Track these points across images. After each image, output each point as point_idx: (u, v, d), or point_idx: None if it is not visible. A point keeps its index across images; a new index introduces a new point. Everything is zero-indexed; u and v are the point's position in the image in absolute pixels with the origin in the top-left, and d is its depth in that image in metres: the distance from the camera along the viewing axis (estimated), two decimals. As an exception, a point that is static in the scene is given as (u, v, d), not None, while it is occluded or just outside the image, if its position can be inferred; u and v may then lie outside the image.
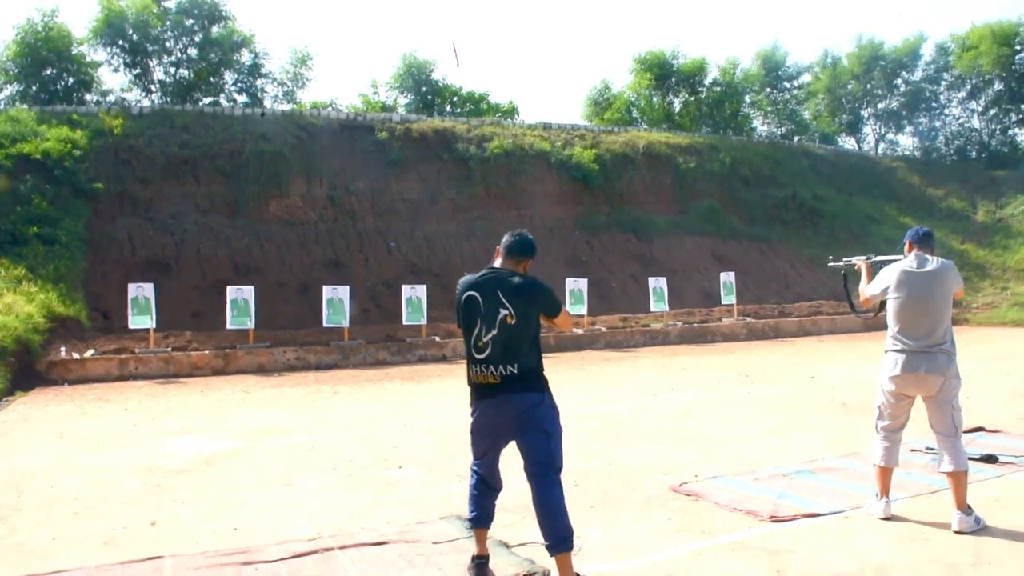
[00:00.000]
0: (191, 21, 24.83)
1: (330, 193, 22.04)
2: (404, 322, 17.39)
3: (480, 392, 4.24)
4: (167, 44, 24.85)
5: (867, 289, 5.50)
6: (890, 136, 36.55)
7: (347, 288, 17.09)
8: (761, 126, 35.46)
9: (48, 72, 24.03)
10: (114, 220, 19.46)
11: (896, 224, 28.12)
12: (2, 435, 9.28)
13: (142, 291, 15.59)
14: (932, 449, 6.53)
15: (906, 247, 5.32)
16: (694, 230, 25.33)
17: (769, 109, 35.08)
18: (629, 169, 25.82)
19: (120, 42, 24.27)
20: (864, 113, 35.96)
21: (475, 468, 4.44)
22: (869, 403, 9.26)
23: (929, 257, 5.14)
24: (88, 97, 24.67)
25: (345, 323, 16.72)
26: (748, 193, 27.12)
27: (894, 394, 5.18)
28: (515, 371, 4.08)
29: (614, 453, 7.04)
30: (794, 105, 35.33)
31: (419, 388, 12.20)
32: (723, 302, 21.12)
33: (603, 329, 19.25)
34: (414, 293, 17.47)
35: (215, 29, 25.18)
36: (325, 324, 16.75)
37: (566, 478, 5.95)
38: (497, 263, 4.35)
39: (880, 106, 35.26)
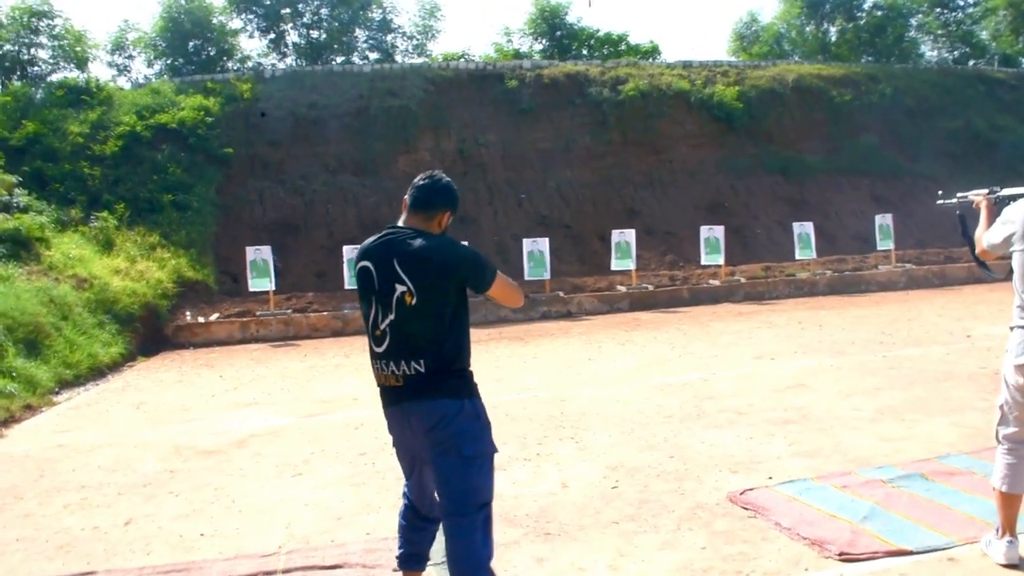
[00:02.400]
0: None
1: (459, 146, 21.54)
2: (526, 277, 16.70)
3: (384, 398, 3.25)
4: (299, 7, 24.91)
5: (986, 237, 3.95)
6: (1089, 52, 32.20)
7: (465, 243, 16.52)
8: (930, 52, 32.10)
9: (192, 44, 24.62)
10: (245, 184, 19.72)
11: (1091, 153, 24.92)
12: (90, 404, 9.34)
13: (260, 254, 15.61)
14: None
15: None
16: (850, 170, 23.23)
17: (939, 32, 31.61)
18: (777, 106, 23.91)
19: (254, 8, 24.52)
20: (1056, 28, 31.86)
21: (405, 491, 3.45)
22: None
23: None
24: (229, 65, 25.15)
25: (467, 280, 16.18)
26: (912, 127, 24.58)
27: (1023, 390, 3.68)
28: (420, 370, 3.05)
29: (683, 440, 6.04)
30: (969, 25, 31.64)
31: (521, 351, 11.50)
32: (879, 247, 19.23)
33: (742, 280, 17.89)
34: (536, 247, 16.73)
35: (345, -13, 25.06)
36: (444, 282, 16.27)
37: (613, 473, 5.23)
38: (401, 220, 3.31)
39: (1076, 17, 31.11)
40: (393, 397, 3.18)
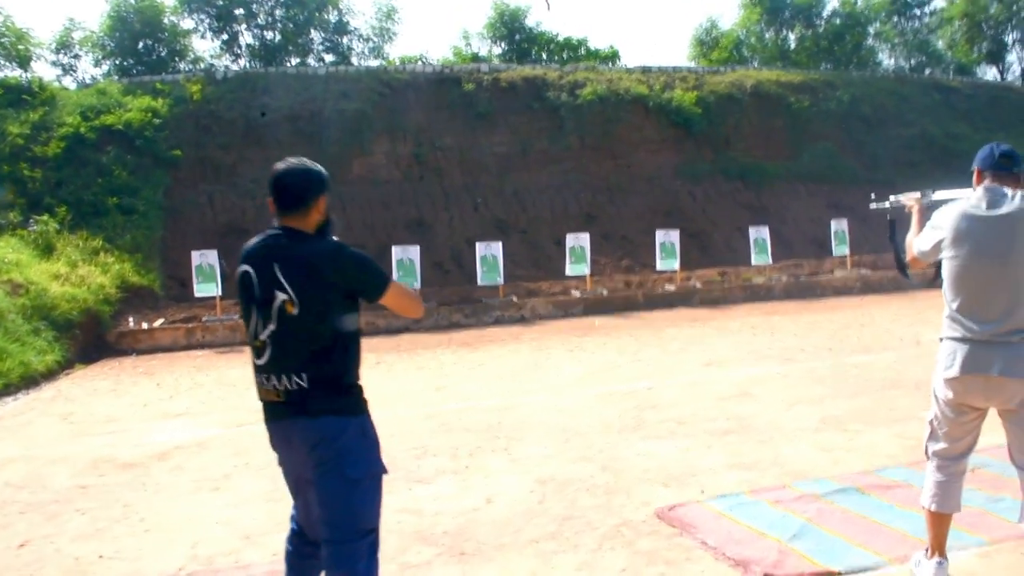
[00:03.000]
0: (276, -20, 24.38)
1: (415, 150, 21.24)
2: (479, 282, 16.47)
3: (266, 413, 2.95)
4: (252, 8, 24.49)
5: (916, 243, 3.73)
6: (1040, 63, 32.68)
7: (417, 248, 16.28)
8: (888, 60, 32.34)
9: (142, 44, 24.08)
10: (195, 187, 19.29)
11: (1044, 160, 25.19)
12: (14, 416, 8.94)
13: (206, 258, 15.24)
14: None
15: (974, 177, 3.56)
16: (808, 176, 23.28)
17: (897, 40, 31.87)
18: (735, 112, 23.87)
19: (206, 8, 24.06)
20: (1008, 39, 32.16)
21: (292, 514, 3.14)
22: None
23: (1008, 192, 3.34)
24: (182, 67, 24.64)
25: (416, 285, 15.93)
26: (869, 134, 24.68)
27: (953, 405, 3.45)
28: (303, 384, 2.78)
29: (619, 451, 5.80)
30: (925, 34, 31.94)
31: (468, 358, 11.24)
32: (835, 253, 19.25)
33: (698, 285, 17.80)
34: (489, 251, 16.51)
35: (300, -13, 24.67)
36: (395, 288, 15.98)
37: (541, 487, 4.94)
38: (275, 221, 3.01)
39: (1026, 30, 31.56)
40: (274, 413, 2.91)
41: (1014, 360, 3.25)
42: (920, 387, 7.61)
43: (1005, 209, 3.31)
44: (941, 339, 3.49)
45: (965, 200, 3.47)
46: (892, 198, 4.43)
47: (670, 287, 17.53)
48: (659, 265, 17.67)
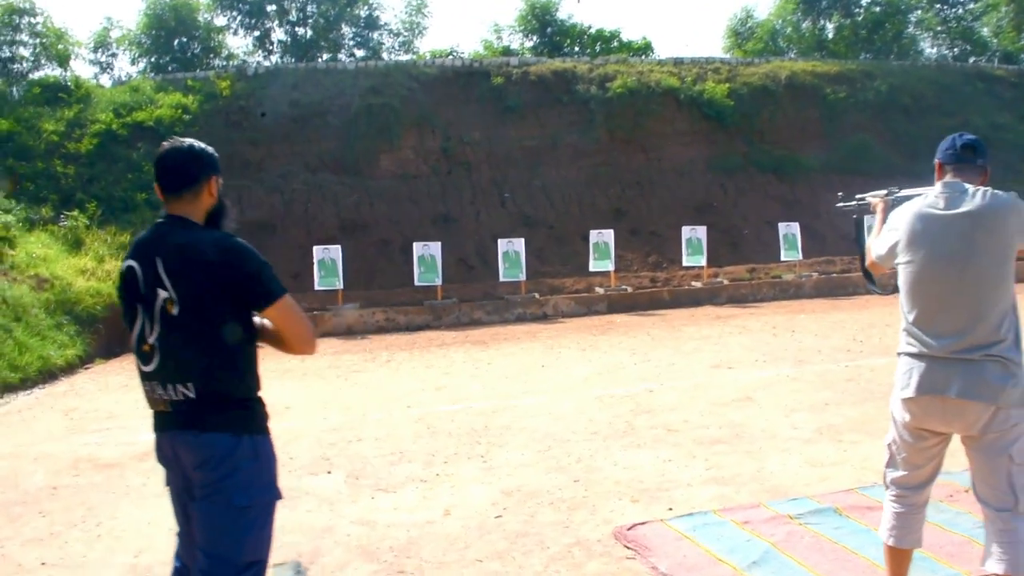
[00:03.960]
0: (308, -24, 24.44)
1: (443, 144, 21.16)
2: (501, 278, 16.35)
3: (154, 424, 2.73)
4: (284, 4, 24.59)
5: (873, 246, 3.41)
6: (1091, 50, 31.50)
7: (439, 245, 16.19)
8: (930, 48, 31.48)
9: (177, 42, 24.31)
10: (224, 183, 19.34)
11: (1093, 152, 24.36)
12: (20, 411, 9.03)
13: (231, 255, 15.26)
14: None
15: (935, 171, 3.20)
16: (844, 169, 22.67)
17: (939, 28, 30.99)
18: (769, 103, 23.40)
19: (239, 5, 24.21)
20: (1059, 24, 31.18)
21: (176, 551, 2.85)
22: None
23: (968, 188, 2.99)
24: (217, 63, 24.85)
25: (438, 281, 15.87)
26: (908, 124, 24.04)
27: (911, 429, 3.11)
28: (190, 395, 2.54)
29: (598, 461, 5.63)
30: (969, 22, 31.00)
31: (477, 356, 11.12)
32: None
33: (725, 282, 17.48)
34: (511, 247, 16.37)
35: (331, -18, 24.72)
36: (416, 283, 15.96)
37: (506, 499, 4.78)
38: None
39: (1079, 15, 30.42)
40: (160, 424, 2.69)
41: (975, 380, 2.91)
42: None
43: (965, 207, 2.97)
44: (899, 354, 3.18)
45: (923, 198, 3.14)
46: (859, 196, 4.10)
47: (696, 284, 17.24)
48: (685, 261, 17.41)
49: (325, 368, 10.91)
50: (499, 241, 16.59)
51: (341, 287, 15.63)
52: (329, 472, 5.75)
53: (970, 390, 2.91)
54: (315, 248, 15.85)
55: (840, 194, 4.57)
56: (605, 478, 5.23)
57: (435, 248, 16.02)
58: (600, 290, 16.64)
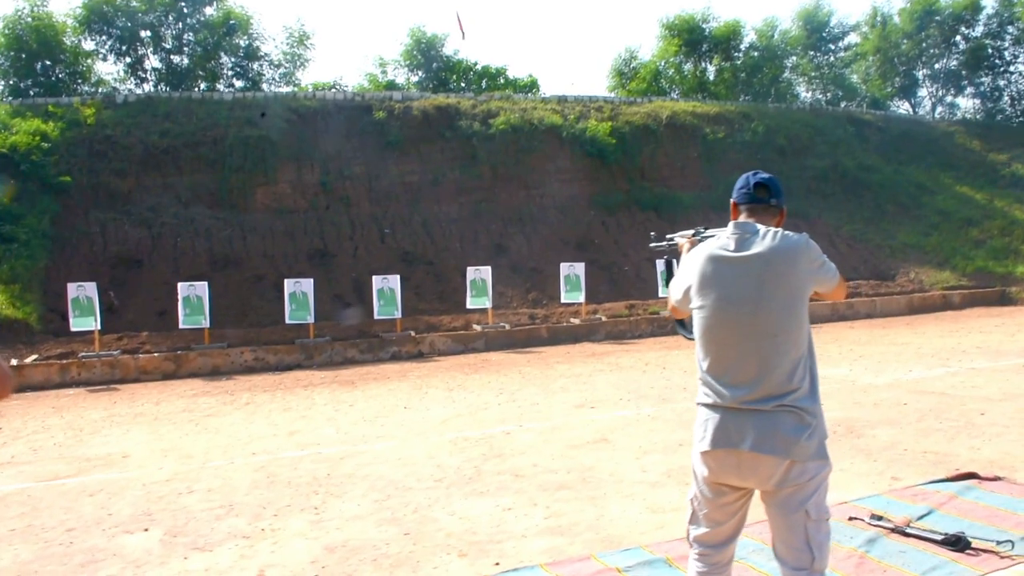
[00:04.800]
0: (183, 4, 23.64)
1: (322, 179, 20.70)
2: (376, 316, 15.93)
3: None
4: (160, 31, 23.76)
5: (671, 290, 3.20)
6: (949, 99, 33.30)
7: (311, 281, 15.69)
8: (805, 93, 32.77)
9: (40, 65, 23.15)
10: (86, 215, 18.45)
11: (952, 194, 25.60)
12: None
13: (83, 290, 14.42)
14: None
15: (731, 212, 3.08)
16: (722, 206, 22.95)
17: (813, 74, 32.30)
18: (651, 142, 23.82)
19: (109, 30, 23.26)
20: (919, 74, 32.81)
21: None
22: (852, 424, 7.47)
23: (760, 228, 2.85)
24: (86, 90, 23.78)
25: (310, 319, 15.34)
26: (783, 164, 24.76)
27: (710, 484, 2.89)
28: None
29: (435, 511, 5.29)
30: (840, 69, 32.42)
31: (341, 398, 10.68)
32: (744, 285, 19.07)
33: (603, 318, 17.46)
34: (386, 284, 15.97)
35: (209, 11, 24.00)
36: (288, 321, 15.40)
37: (326, 557, 4.45)
38: None
39: (937, 66, 32.05)
40: None
41: (768, 433, 2.70)
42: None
43: (755, 249, 2.79)
44: (697, 404, 2.94)
45: (715, 239, 2.96)
46: (668, 236, 3.88)
47: (575, 320, 17.18)
48: (563, 298, 17.34)
49: (179, 412, 10.30)
50: (374, 278, 16.17)
51: (207, 325, 14.94)
52: (146, 529, 5.26)
53: (763, 443, 2.71)
54: (180, 285, 15.14)
55: (652, 234, 4.35)
56: (438, 530, 4.91)
57: (307, 285, 15.51)
58: (478, 327, 16.39)
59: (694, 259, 2.96)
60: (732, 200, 3.06)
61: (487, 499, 5.52)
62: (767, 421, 2.71)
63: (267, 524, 5.22)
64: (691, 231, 3.57)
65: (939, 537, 4.29)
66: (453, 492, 5.74)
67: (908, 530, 4.46)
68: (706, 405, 2.88)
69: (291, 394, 11.35)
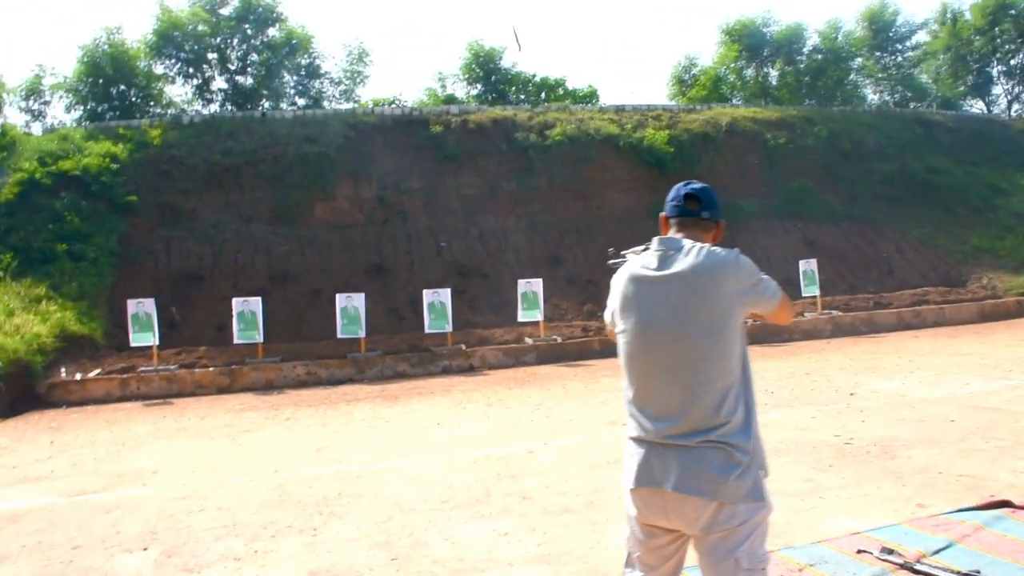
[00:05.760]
0: (248, 26, 24.28)
1: (379, 193, 20.95)
2: (426, 330, 16.01)
3: None
4: (225, 52, 24.43)
5: (605, 313, 2.94)
6: (1025, 95, 32.11)
7: (362, 296, 15.86)
8: (872, 95, 31.93)
9: (115, 90, 24.00)
10: (151, 233, 19.01)
11: (1029, 195, 24.59)
12: None
13: (142, 307, 14.86)
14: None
15: (660, 226, 2.83)
16: (784, 214, 22.73)
17: (880, 76, 31.43)
18: (710, 150, 23.46)
19: (178, 54, 24.00)
20: (994, 72, 31.70)
21: None
22: (889, 443, 7.16)
23: (685, 244, 2.61)
24: (158, 111, 24.56)
25: (361, 333, 15.51)
26: (848, 169, 24.18)
27: (640, 524, 2.65)
28: None
29: (431, 535, 5.20)
30: (908, 69, 31.47)
31: (380, 413, 10.76)
32: (804, 294, 18.64)
33: (657, 331, 17.20)
34: (437, 298, 16.05)
35: (271, 32, 24.60)
36: (339, 335, 15.59)
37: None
38: None
39: (1012, 62, 30.91)
40: None
41: (692, 471, 2.47)
42: (816, 450, 7.11)
43: (676, 267, 2.56)
44: (627, 438, 2.72)
45: (640, 257, 2.72)
46: (624, 252, 3.71)
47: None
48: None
49: (221, 427, 10.51)
50: (425, 292, 16.26)
51: (261, 340, 15.22)
52: (145, 549, 5.35)
53: (687, 483, 2.48)
54: (234, 300, 15.46)
55: (611, 250, 4.19)
56: (426, 556, 4.87)
57: (359, 299, 15.68)
58: (529, 340, 16.34)
59: (618, 279, 2.75)
60: (662, 214, 2.83)
61: (487, 523, 5.47)
62: (691, 458, 2.49)
63: (262, 545, 5.26)
64: (641, 246, 3.36)
65: (951, 576, 4.01)
66: (455, 515, 5.71)
67: (918, 567, 4.11)
68: (632, 439, 2.67)
69: (333, 409, 11.47)
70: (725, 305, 2.55)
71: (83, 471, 8.20)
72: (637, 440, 2.65)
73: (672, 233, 2.74)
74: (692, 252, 2.57)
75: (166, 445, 9.42)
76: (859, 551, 4.42)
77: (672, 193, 2.82)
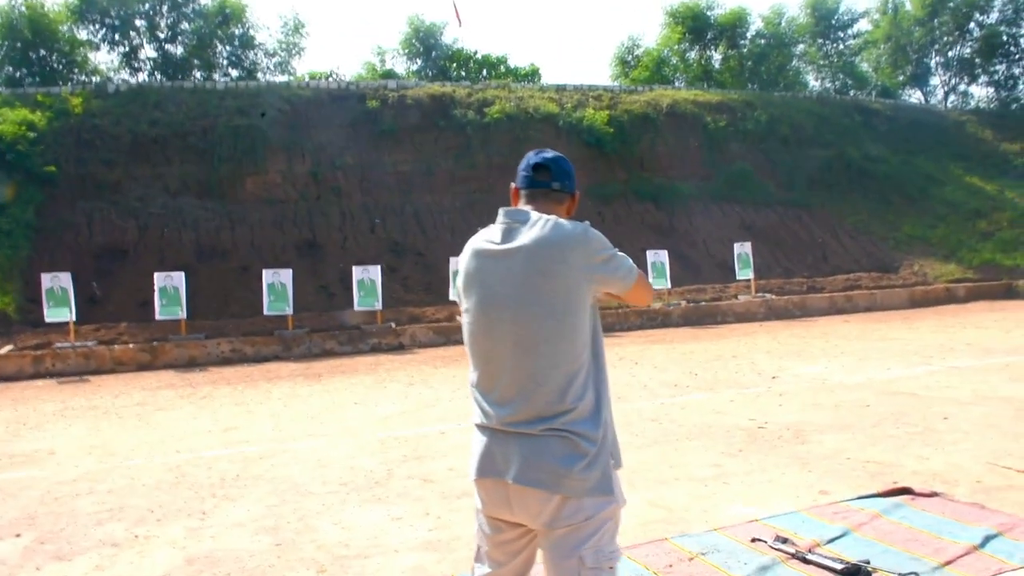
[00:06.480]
0: (179, -8, 23.55)
1: (313, 169, 20.49)
2: (356, 307, 15.71)
3: None
4: (154, 19, 23.63)
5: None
6: (962, 87, 32.58)
7: (289, 272, 15.50)
8: (814, 82, 32.17)
9: (36, 55, 23.09)
10: (72, 205, 18.33)
11: (961, 185, 25.02)
12: None
13: (57, 281, 14.31)
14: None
15: (511, 198, 2.58)
16: (722, 197, 22.78)
17: (822, 62, 31.68)
18: (650, 131, 23.39)
19: (103, 19, 23.15)
20: (932, 63, 32.15)
21: None
22: (802, 428, 7.08)
23: (532, 216, 2.37)
24: (83, 79, 23.68)
25: (288, 310, 15.15)
26: (787, 154, 24.33)
27: (487, 517, 2.44)
28: None
29: (323, 519, 4.95)
30: (850, 57, 31.76)
31: (302, 391, 10.48)
32: (738, 277, 18.71)
33: (591, 312, 17.11)
34: (366, 275, 15.75)
35: (203, 0, 23.86)
36: (266, 312, 15.22)
37: (182, 570, 4.26)
38: None
39: (950, 54, 31.39)
40: None
41: (533, 462, 2.25)
42: (730, 434, 7.01)
43: (519, 241, 2.32)
44: (473, 425, 2.47)
45: (485, 229, 2.48)
46: None
47: (561, 313, 16.84)
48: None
49: (133, 406, 10.12)
50: (354, 268, 15.93)
51: (184, 316, 14.78)
52: (18, 535, 5.02)
53: (527, 474, 2.25)
54: (156, 275, 14.98)
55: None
56: (311, 541, 4.62)
57: (286, 276, 15.32)
58: (459, 319, 16.10)
59: (463, 255, 2.51)
60: (512, 184, 2.57)
61: (381, 507, 5.23)
62: (533, 447, 2.26)
63: (145, 530, 4.96)
64: None
65: (839, 566, 3.83)
66: (351, 498, 5.46)
67: (809, 556, 4.00)
68: (477, 426, 2.42)
69: (252, 387, 11.14)
70: (571, 282, 2.30)
71: (-23, 451, 7.79)
72: (480, 427, 2.41)
73: (521, 205, 2.50)
74: (537, 225, 2.33)
75: (70, 424, 9.02)
76: (753, 539, 4.29)
77: (523, 162, 2.57)
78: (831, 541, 4.26)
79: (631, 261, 2.47)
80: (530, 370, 2.29)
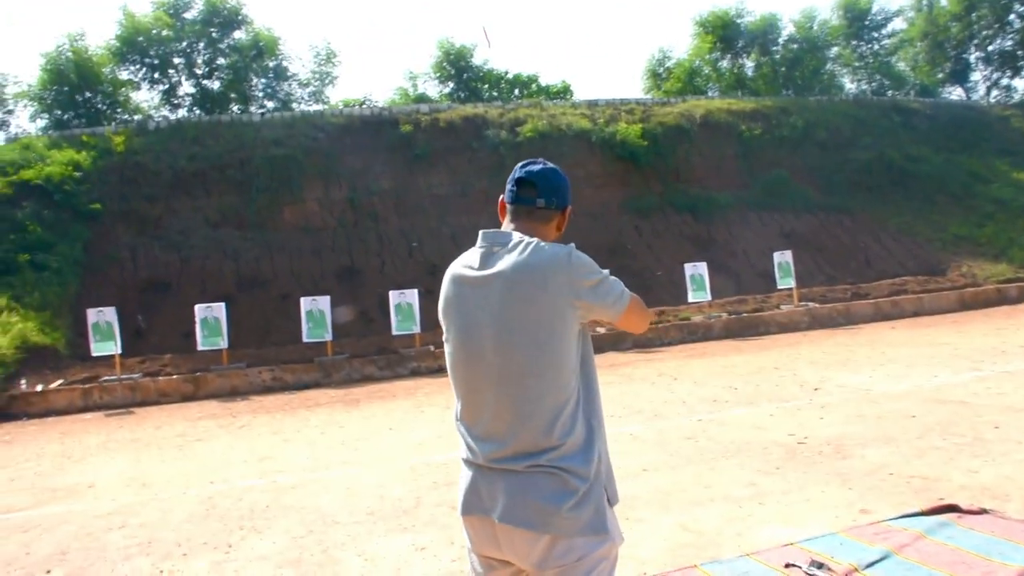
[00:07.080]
0: (213, 30, 23.98)
1: (350, 195, 20.69)
2: (394, 332, 15.76)
3: None
4: (191, 56, 24.12)
5: None
6: (1004, 81, 31.83)
7: (327, 299, 15.61)
8: (850, 84, 31.76)
9: (82, 97, 23.68)
10: (117, 241, 18.72)
11: (1008, 181, 24.42)
12: None
13: (103, 316, 14.56)
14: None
15: (499, 214, 2.47)
16: (761, 205, 22.53)
17: (857, 64, 31.26)
18: (684, 142, 23.25)
19: (143, 59, 23.70)
20: (971, 58, 31.54)
21: None
22: (843, 442, 6.91)
23: (514, 238, 2.27)
24: (125, 118, 24.24)
25: (327, 336, 15.25)
26: (825, 159, 24.01)
27: (477, 555, 2.33)
28: None
29: (345, 551, 4.93)
30: (885, 57, 31.30)
31: (339, 418, 10.50)
32: (779, 286, 18.42)
33: (630, 327, 16.96)
34: (403, 299, 15.78)
35: (237, 35, 24.31)
36: (305, 339, 15.33)
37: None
38: None
39: (990, 48, 30.80)
40: None
41: (520, 499, 2.15)
42: (768, 451, 6.85)
43: (499, 266, 2.21)
44: (461, 460, 2.38)
45: (466, 254, 2.37)
46: None
47: (600, 330, 16.71)
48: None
49: (173, 437, 10.23)
50: (391, 293, 15.99)
51: (225, 346, 14.95)
52: (48, 572, 5.09)
53: (513, 513, 2.15)
54: (197, 307, 15.18)
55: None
56: (333, 574, 4.63)
57: (324, 302, 15.43)
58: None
59: (444, 280, 2.41)
60: (501, 197, 2.44)
61: (406, 536, 5.20)
62: (519, 484, 2.16)
63: (170, 565, 5.00)
64: None
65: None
66: (377, 528, 5.45)
67: None
68: (464, 461, 2.33)
69: (291, 415, 11.21)
70: (554, 309, 2.18)
71: (18, 487, 7.92)
72: (467, 463, 2.31)
73: (505, 223, 2.40)
74: (517, 249, 2.22)
75: (112, 457, 9.14)
76: (787, 564, 4.09)
77: (509, 180, 2.42)
78: (870, 565, 4.02)
79: (623, 285, 2.35)
80: (514, 403, 2.18)
